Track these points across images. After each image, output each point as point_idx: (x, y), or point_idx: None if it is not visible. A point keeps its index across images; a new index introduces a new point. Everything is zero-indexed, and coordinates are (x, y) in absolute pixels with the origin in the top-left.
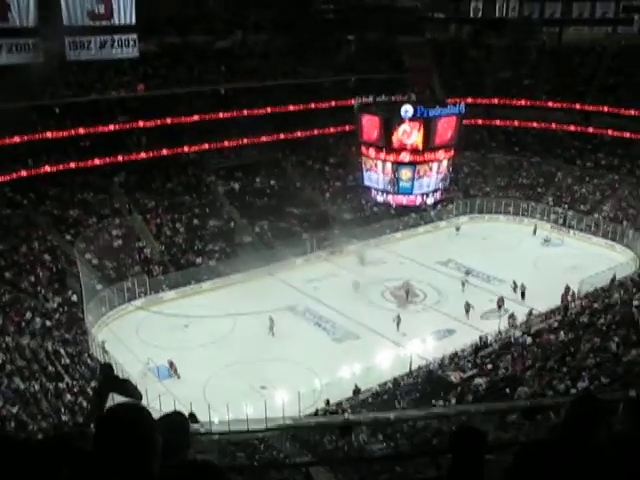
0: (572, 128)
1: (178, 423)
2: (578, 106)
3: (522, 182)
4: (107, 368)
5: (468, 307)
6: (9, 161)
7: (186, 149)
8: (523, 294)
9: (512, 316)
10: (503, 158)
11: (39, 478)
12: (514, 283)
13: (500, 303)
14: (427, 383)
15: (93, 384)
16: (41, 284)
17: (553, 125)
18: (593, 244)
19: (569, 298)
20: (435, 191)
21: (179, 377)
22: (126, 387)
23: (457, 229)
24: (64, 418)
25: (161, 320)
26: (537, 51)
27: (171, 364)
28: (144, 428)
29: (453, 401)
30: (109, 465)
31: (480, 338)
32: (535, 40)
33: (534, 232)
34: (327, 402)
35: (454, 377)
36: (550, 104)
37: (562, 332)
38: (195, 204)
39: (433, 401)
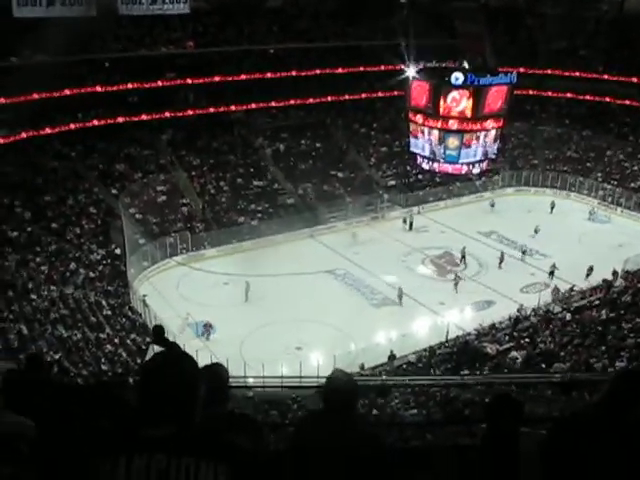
0: (627, 102)
1: (219, 374)
2: (635, 79)
3: (571, 156)
4: (159, 329)
5: (457, 280)
6: (59, 114)
7: (233, 108)
8: (552, 273)
9: (556, 288)
10: (553, 130)
11: (81, 422)
12: (501, 255)
13: (555, 293)
14: (463, 353)
15: (133, 336)
16: (86, 236)
17: (607, 98)
18: None
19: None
20: (481, 161)
21: (207, 339)
22: (174, 349)
23: (492, 205)
24: (104, 367)
25: (202, 277)
26: (595, 21)
27: (207, 325)
28: (189, 376)
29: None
30: (152, 412)
31: (519, 311)
32: (596, 10)
33: (551, 210)
34: (362, 366)
35: (490, 349)
36: (606, 76)
37: (603, 310)
38: (240, 163)
39: (467, 371)
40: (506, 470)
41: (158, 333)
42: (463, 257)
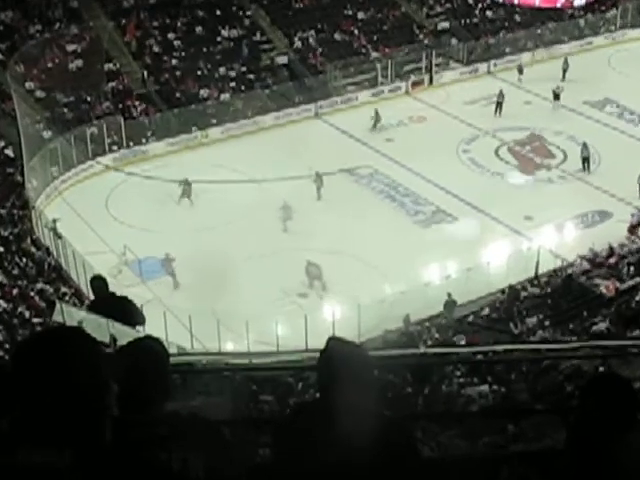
0: None
1: (152, 356)
2: None
3: None
4: (99, 282)
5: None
6: None
7: None
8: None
9: None
10: None
11: None
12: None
13: None
14: (563, 296)
15: (40, 286)
16: None
17: None
18: None
19: None
20: None
21: (177, 285)
22: (125, 307)
23: (520, 71)
24: None
25: (145, 188)
26: None
27: (167, 260)
28: (81, 369)
29: (603, 325)
30: (27, 424)
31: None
32: None
33: (520, 72)
34: (406, 319)
35: (605, 288)
36: None
37: None
38: (199, 3)
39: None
40: None
41: (99, 287)
42: (585, 160)
